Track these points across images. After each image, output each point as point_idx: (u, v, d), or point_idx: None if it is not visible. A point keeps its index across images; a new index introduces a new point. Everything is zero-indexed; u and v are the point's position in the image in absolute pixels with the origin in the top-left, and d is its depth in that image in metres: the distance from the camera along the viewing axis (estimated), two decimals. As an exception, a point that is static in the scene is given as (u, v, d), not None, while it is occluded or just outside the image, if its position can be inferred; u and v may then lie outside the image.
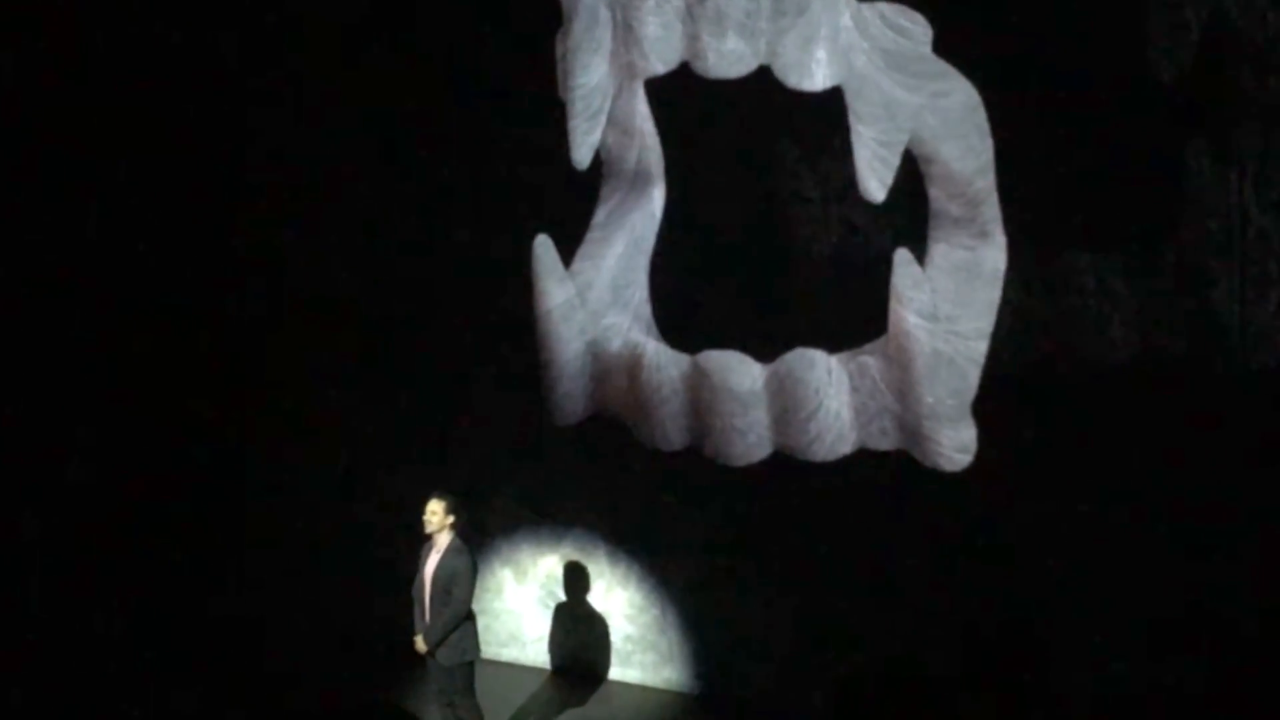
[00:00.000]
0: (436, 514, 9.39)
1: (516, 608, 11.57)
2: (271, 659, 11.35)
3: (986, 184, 8.90)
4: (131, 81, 11.60)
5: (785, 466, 9.56)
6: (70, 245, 11.45)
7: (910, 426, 9.07)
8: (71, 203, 11.44)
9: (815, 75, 8.77)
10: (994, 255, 8.98)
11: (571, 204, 10.08)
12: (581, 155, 9.44)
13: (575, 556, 11.26)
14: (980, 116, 8.84)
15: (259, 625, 11.71)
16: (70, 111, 11.32)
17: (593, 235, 10.05)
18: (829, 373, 9.08)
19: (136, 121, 11.68)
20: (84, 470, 11.60)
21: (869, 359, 9.11)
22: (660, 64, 9.15)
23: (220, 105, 11.98)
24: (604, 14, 9.27)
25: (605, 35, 9.32)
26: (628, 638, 11.13)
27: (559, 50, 9.62)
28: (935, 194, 9.05)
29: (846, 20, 8.71)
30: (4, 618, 10.85)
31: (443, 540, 9.40)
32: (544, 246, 9.60)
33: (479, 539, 10.86)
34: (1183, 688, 9.02)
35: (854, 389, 9.14)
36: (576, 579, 11.24)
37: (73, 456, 11.56)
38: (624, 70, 9.34)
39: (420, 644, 9.40)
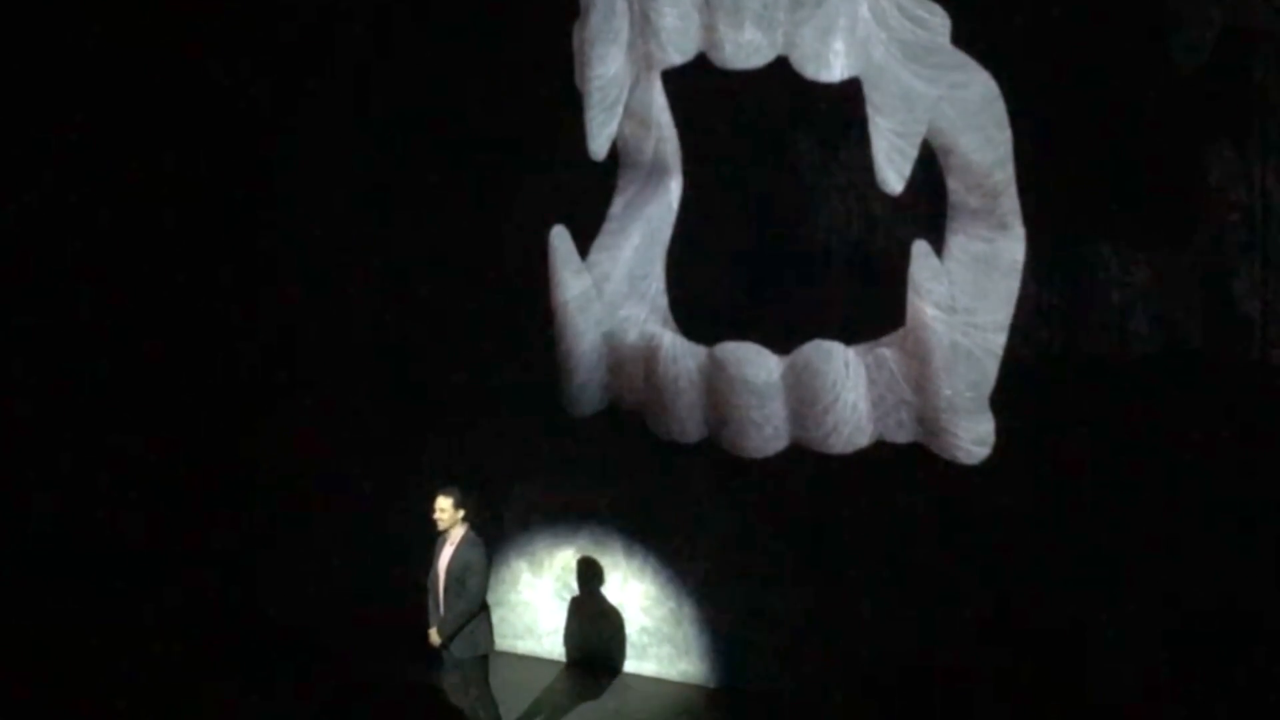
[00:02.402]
0: (446, 509, 9.37)
1: (532, 600, 11.55)
2: (289, 654, 11.35)
3: (1005, 175, 8.87)
4: (149, 84, 11.65)
5: (802, 459, 9.54)
6: (96, 248, 11.51)
7: (928, 419, 9.04)
8: (94, 209, 11.49)
9: (833, 66, 8.74)
10: (1012, 247, 8.95)
11: (588, 195, 10.06)
12: (598, 146, 9.43)
13: (591, 549, 11.24)
14: (999, 108, 8.80)
15: (277, 621, 11.72)
16: (90, 116, 11.38)
17: (609, 226, 10.04)
18: (846, 365, 9.05)
19: (154, 123, 11.71)
20: (103, 470, 11.65)
21: (887, 351, 9.08)
22: (677, 55, 9.13)
23: (235, 105, 11.98)
24: (621, 5, 9.25)
25: (623, 26, 9.30)
26: (644, 630, 11.11)
27: (576, 41, 9.61)
28: (953, 185, 9.02)
29: (864, 11, 8.68)
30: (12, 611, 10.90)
31: (456, 533, 9.38)
32: (561, 238, 9.59)
33: (495, 531, 10.84)
34: (1206, 681, 8.98)
35: (871, 381, 9.12)
36: (592, 571, 11.22)
37: (92, 455, 11.61)
38: (641, 61, 9.32)
39: (434, 637, 9.39)
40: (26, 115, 11.30)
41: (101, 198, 11.66)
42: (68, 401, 11.64)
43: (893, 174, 8.68)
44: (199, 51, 11.83)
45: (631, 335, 9.72)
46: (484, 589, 9.35)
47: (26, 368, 11.38)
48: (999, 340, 8.90)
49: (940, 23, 8.82)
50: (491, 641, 9.49)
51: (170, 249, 11.99)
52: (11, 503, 11.29)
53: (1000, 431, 8.97)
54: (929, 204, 9.24)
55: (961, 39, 8.82)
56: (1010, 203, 8.91)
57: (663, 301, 9.98)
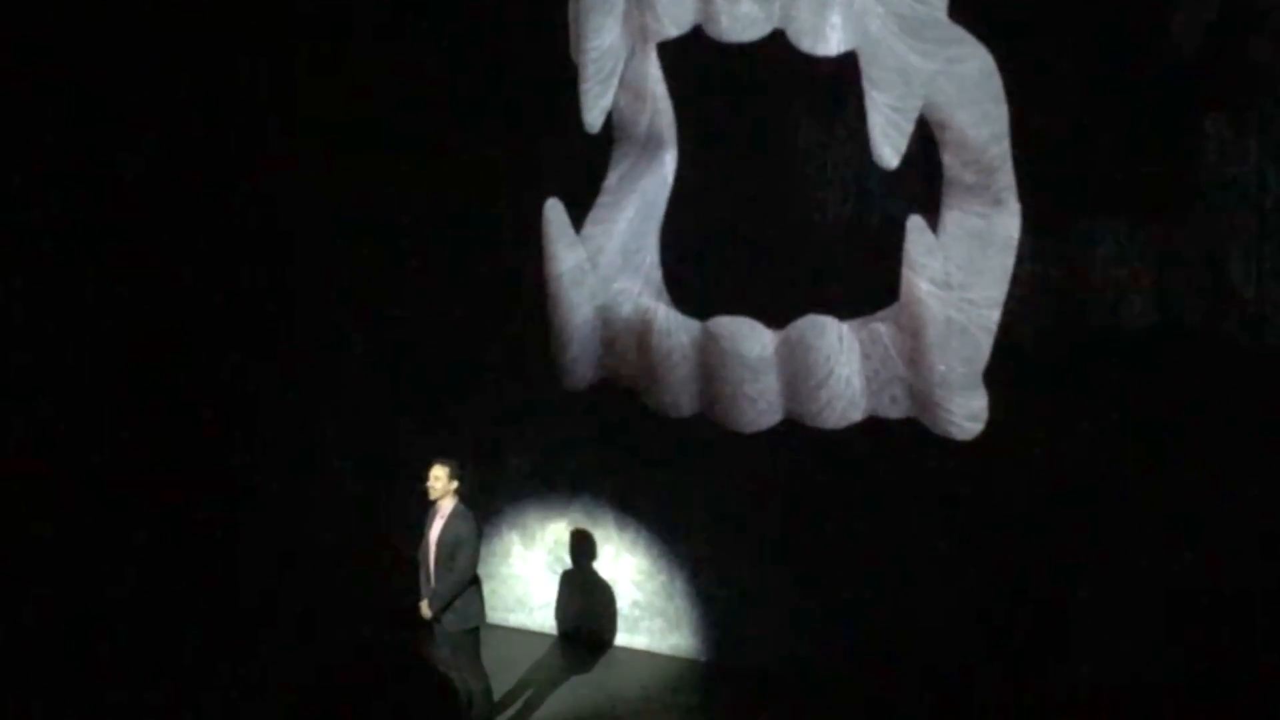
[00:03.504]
0: (440, 479, 9.35)
1: (524, 573, 11.55)
2: (278, 627, 11.35)
3: (1001, 151, 8.85)
4: (143, 71, 11.60)
5: (795, 433, 9.53)
6: (91, 230, 11.48)
7: (921, 394, 9.04)
8: (85, 196, 11.45)
9: (829, 40, 8.72)
10: (1007, 223, 8.93)
11: (583, 168, 10.02)
12: (593, 118, 9.42)
13: (583, 522, 11.24)
14: (995, 83, 8.77)
15: (266, 595, 11.71)
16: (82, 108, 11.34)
17: (604, 200, 10.00)
18: (840, 340, 9.05)
19: (142, 107, 11.66)
20: (98, 446, 11.62)
21: (881, 326, 9.08)
22: (673, 27, 9.11)
23: (228, 76, 11.91)
24: (617, -24, 9.24)
25: (619, -2, 9.29)
26: (635, 604, 11.12)
27: (571, 12, 9.58)
28: (949, 161, 8.99)
29: (862, -16, 8.66)
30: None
31: (447, 505, 9.36)
32: (555, 210, 9.57)
33: (486, 504, 10.82)
34: (1198, 660, 8.98)
35: (865, 356, 9.11)
36: (584, 545, 11.22)
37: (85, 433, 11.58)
38: (637, 33, 9.30)
39: (425, 609, 9.38)
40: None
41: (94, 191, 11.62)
42: (63, 382, 11.61)
43: (888, 148, 8.68)
44: (189, 26, 11.77)
45: (625, 309, 9.71)
46: (474, 562, 9.33)
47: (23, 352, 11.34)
48: (993, 316, 8.89)
49: (938, -4, 8.80)
50: (483, 614, 9.49)
51: (160, 227, 11.94)
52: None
53: (993, 407, 8.96)
54: (924, 179, 9.21)
55: (958, 13, 8.78)
56: (1006, 178, 8.89)
57: (657, 275, 9.95)
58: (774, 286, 9.83)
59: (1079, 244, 9.09)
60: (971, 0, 8.79)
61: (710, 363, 9.26)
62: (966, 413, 8.95)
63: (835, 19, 8.67)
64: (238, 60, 11.87)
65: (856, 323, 9.14)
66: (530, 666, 10.84)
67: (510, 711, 10.13)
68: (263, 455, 12.24)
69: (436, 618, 9.31)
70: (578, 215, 9.80)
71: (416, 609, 9.41)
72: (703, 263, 10.11)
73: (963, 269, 8.91)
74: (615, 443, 10.90)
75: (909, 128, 8.70)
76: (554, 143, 10.31)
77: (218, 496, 12.15)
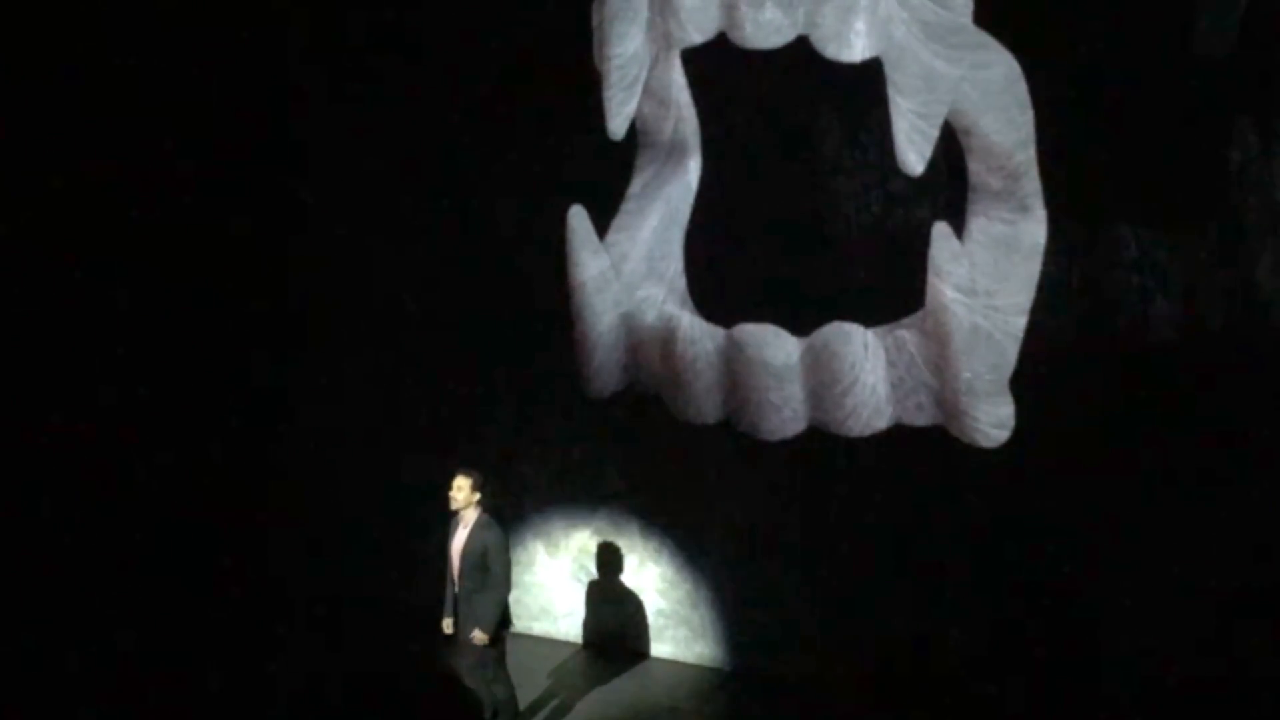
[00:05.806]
0: (463, 489, 9.34)
1: (548, 582, 11.54)
2: (305, 634, 11.36)
3: (1027, 157, 8.82)
4: (169, 57, 11.60)
5: (820, 441, 9.50)
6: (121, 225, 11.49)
7: (947, 402, 8.99)
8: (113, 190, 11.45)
9: (854, 46, 8.69)
10: (1034, 229, 8.89)
11: (607, 175, 10.01)
12: (617, 126, 9.40)
13: (607, 531, 11.23)
14: (1021, 89, 8.74)
15: (289, 605, 11.72)
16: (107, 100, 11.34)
17: (628, 207, 9.99)
18: (865, 347, 9.01)
19: (170, 97, 11.66)
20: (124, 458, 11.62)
21: (906, 333, 9.04)
22: (697, 34, 9.09)
23: (260, 84, 11.92)
24: (640, -17, 9.24)
25: (642, 5, 9.28)
26: (660, 612, 11.10)
27: (595, 19, 9.57)
28: (974, 167, 8.97)
29: (886, -9, 8.64)
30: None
31: (470, 515, 9.36)
32: (579, 218, 9.55)
33: (511, 512, 10.82)
34: (1230, 669, 8.93)
35: (891, 363, 9.08)
36: (608, 553, 11.21)
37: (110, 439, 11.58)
38: (661, 40, 9.29)
39: (448, 627, 9.39)
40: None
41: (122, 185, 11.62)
42: (85, 384, 11.62)
43: (913, 155, 8.64)
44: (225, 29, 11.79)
45: (650, 316, 9.69)
46: (509, 570, 9.34)
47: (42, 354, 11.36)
48: (1020, 323, 8.85)
49: (962, 2, 8.76)
50: (509, 622, 9.48)
51: (194, 229, 11.95)
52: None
53: (1020, 415, 8.92)
54: (950, 185, 9.19)
55: (984, 19, 8.76)
56: (1032, 184, 8.86)
57: (681, 282, 9.94)
58: (799, 293, 9.81)
59: (1105, 250, 9.07)
60: (996, 6, 8.76)
61: (735, 370, 9.24)
62: (993, 420, 8.91)
63: (860, 25, 8.65)
64: (257, 64, 11.90)
65: (882, 330, 9.11)
66: (555, 675, 10.83)
67: (535, 720, 10.14)
68: (285, 465, 12.26)
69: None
70: (602, 222, 9.79)
71: (439, 619, 9.42)
72: (727, 270, 10.10)
73: (988, 275, 8.87)
74: (639, 451, 10.90)
75: (934, 134, 8.66)
76: (578, 150, 10.32)
77: (241, 507, 12.16)
